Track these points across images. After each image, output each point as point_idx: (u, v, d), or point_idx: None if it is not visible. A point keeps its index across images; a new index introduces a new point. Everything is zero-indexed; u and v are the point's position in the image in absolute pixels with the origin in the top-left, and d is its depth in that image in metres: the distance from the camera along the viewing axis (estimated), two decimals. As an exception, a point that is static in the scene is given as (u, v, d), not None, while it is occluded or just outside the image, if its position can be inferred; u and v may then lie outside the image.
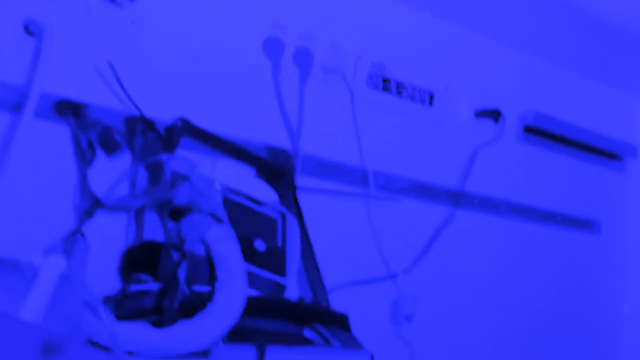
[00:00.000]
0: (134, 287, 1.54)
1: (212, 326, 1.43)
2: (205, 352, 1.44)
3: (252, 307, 1.53)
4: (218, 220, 1.54)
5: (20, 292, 1.19)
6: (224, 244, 1.51)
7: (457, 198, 2.37)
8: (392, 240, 2.21)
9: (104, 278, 1.57)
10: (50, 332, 1.10)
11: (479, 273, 2.47)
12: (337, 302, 1.88)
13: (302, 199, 1.91)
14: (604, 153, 2.86)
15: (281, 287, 1.74)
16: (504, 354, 2.54)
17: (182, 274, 1.53)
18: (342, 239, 2.12)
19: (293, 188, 1.90)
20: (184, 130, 1.68)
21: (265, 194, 1.84)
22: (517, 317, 2.60)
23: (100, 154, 1.63)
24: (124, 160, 1.65)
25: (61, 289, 1.23)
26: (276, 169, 1.90)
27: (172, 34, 1.84)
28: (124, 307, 1.52)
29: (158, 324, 1.44)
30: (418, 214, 2.31)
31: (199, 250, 1.55)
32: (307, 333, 1.73)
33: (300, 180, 1.96)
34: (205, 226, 1.51)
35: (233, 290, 1.47)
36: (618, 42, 2.52)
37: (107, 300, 1.54)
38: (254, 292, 1.63)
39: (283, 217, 1.79)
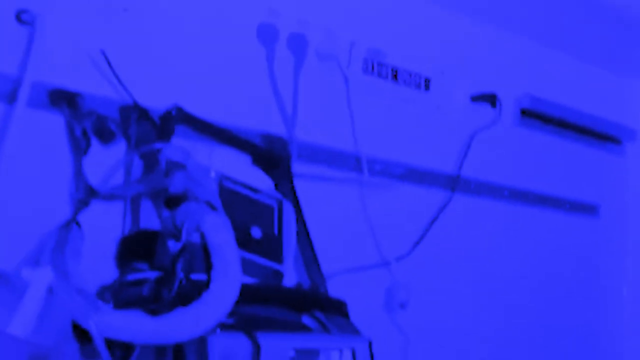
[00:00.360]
0: (131, 276, 1.54)
1: (207, 314, 1.42)
2: (201, 340, 1.44)
3: (249, 295, 1.53)
4: (213, 208, 1.53)
5: (8, 306, 1.19)
6: (219, 232, 1.50)
7: (453, 183, 2.37)
8: (388, 226, 2.21)
9: (101, 267, 1.56)
10: (37, 345, 1.10)
11: (477, 259, 2.47)
12: (334, 289, 1.88)
13: (298, 185, 1.91)
14: (602, 136, 2.86)
15: (278, 274, 1.74)
16: (502, 340, 2.54)
17: (178, 262, 1.53)
18: (338, 225, 2.12)
19: (289, 175, 1.90)
20: (179, 119, 1.67)
21: (261, 181, 1.84)
22: (515, 302, 2.60)
23: (95, 143, 1.63)
24: (119, 149, 1.65)
25: (50, 302, 1.22)
26: (272, 156, 1.89)
27: (165, 21, 1.83)
28: (121, 296, 1.52)
29: (154, 313, 1.44)
30: (415, 199, 2.31)
31: (195, 238, 1.54)
32: (306, 320, 1.73)
33: (296, 167, 1.96)
34: (201, 214, 1.51)
35: (228, 278, 1.46)
36: (616, 24, 2.51)
37: (104, 289, 1.54)
38: (251, 280, 1.63)
39: (279, 204, 1.79)
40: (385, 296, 2.23)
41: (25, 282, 1.23)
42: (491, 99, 2.43)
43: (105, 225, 1.65)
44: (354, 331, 1.72)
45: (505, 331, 2.56)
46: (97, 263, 1.56)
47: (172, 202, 1.55)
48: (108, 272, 1.57)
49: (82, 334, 1.35)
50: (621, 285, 2.98)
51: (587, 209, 2.85)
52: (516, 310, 2.60)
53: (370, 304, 2.17)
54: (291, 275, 1.81)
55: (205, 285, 1.45)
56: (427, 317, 2.31)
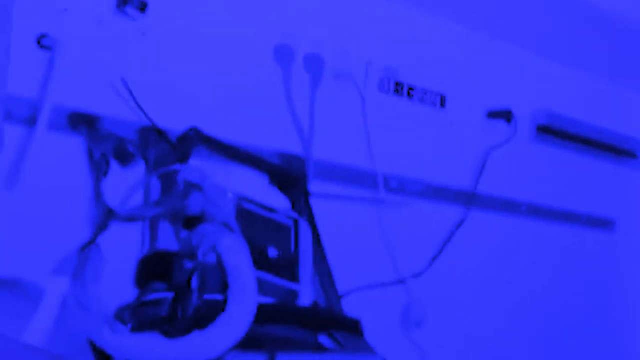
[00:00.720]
0: (149, 297, 1.56)
1: (223, 336, 1.44)
2: (218, 361, 1.45)
3: (265, 315, 1.54)
4: (230, 229, 1.55)
5: (24, 314, 1.20)
6: (235, 254, 1.52)
7: (470, 200, 2.37)
8: (405, 243, 2.22)
9: (120, 288, 1.58)
10: (52, 355, 1.11)
11: (494, 275, 2.47)
12: (351, 307, 1.89)
13: (315, 204, 1.92)
14: (618, 151, 2.86)
15: (295, 294, 1.75)
16: (520, 357, 2.54)
17: (194, 283, 1.54)
18: (355, 243, 2.13)
19: (306, 194, 1.91)
20: (196, 140, 1.69)
21: (278, 200, 1.86)
22: (533, 319, 2.60)
23: (114, 166, 1.65)
24: (138, 171, 1.67)
25: (66, 311, 1.24)
26: (289, 175, 1.90)
27: (183, 45, 1.85)
28: (139, 317, 1.53)
29: (171, 334, 1.45)
30: (432, 216, 2.32)
31: (212, 259, 1.56)
32: (323, 339, 1.74)
33: (313, 186, 1.97)
34: (218, 236, 1.52)
35: (244, 300, 1.48)
36: (630, 39, 2.51)
37: (123, 309, 1.55)
38: (267, 300, 1.64)
39: (296, 223, 1.80)
40: (402, 314, 2.23)
41: (42, 290, 1.25)
42: (507, 116, 2.44)
43: (124, 246, 1.66)
44: (369, 350, 1.73)
45: (523, 347, 2.56)
46: (116, 284, 1.57)
47: (190, 223, 1.57)
48: (127, 293, 1.58)
49: (100, 355, 1.37)
50: (638, 297, 2.97)
51: (604, 224, 2.85)
52: (534, 326, 2.60)
53: (387, 321, 2.18)
54: (308, 295, 1.83)
55: (222, 306, 1.47)
56: (443, 335, 2.31)
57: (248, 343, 1.49)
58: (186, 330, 1.44)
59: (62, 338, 1.24)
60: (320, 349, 1.70)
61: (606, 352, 2.82)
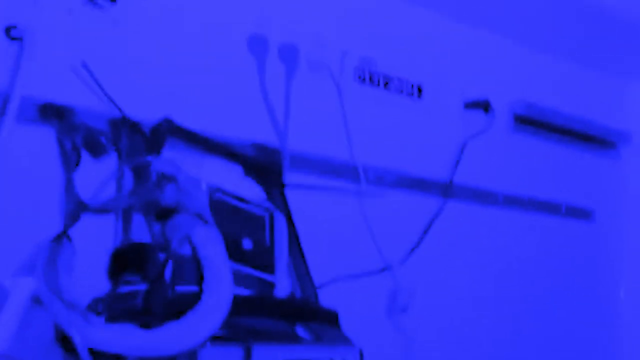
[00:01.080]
0: (123, 289, 1.55)
1: (198, 327, 1.43)
2: (192, 353, 1.44)
3: (241, 306, 1.53)
4: (204, 220, 1.54)
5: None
6: (209, 244, 1.51)
7: (447, 190, 2.37)
8: (383, 234, 2.21)
9: (93, 280, 1.57)
10: None
11: (473, 265, 2.47)
12: (331, 298, 1.89)
13: (292, 196, 1.91)
14: (596, 141, 2.86)
15: (270, 285, 1.75)
16: (500, 344, 2.54)
17: (168, 274, 1.53)
18: (334, 234, 2.13)
19: (281, 185, 1.90)
20: (169, 131, 1.68)
21: (252, 192, 1.84)
22: (512, 307, 2.60)
23: (85, 157, 1.63)
24: (110, 162, 1.66)
25: (32, 314, 1.22)
26: (264, 166, 1.89)
27: (155, 34, 1.84)
28: (113, 309, 1.52)
29: (146, 325, 1.44)
30: (410, 207, 2.31)
31: (186, 251, 1.55)
32: (299, 330, 1.73)
33: (289, 177, 1.96)
34: (191, 227, 1.52)
35: (219, 291, 1.47)
36: (608, 27, 2.51)
37: (96, 302, 1.54)
38: (243, 291, 1.63)
39: (271, 214, 1.79)
40: (386, 302, 2.23)
41: (6, 292, 1.23)
42: (484, 106, 2.43)
43: (97, 238, 1.65)
44: (346, 341, 1.73)
45: (502, 336, 2.57)
46: (90, 276, 1.55)
47: (163, 214, 1.56)
48: (100, 285, 1.57)
49: (68, 348, 1.36)
50: (617, 289, 2.98)
51: (582, 214, 2.85)
52: (513, 315, 2.60)
53: (364, 312, 2.17)
54: (284, 286, 1.82)
55: (197, 297, 1.46)
56: (423, 323, 2.30)
57: (224, 334, 1.49)
58: (161, 322, 1.43)
59: (27, 341, 1.22)
60: (296, 340, 1.69)
61: (585, 341, 2.83)
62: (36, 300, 1.25)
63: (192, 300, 1.45)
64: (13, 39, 1.61)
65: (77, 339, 1.29)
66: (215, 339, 1.47)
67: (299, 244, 1.85)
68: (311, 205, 2.02)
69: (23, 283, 1.22)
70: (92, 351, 1.36)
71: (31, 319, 1.24)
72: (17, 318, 1.19)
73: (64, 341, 1.32)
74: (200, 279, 1.49)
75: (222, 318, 1.45)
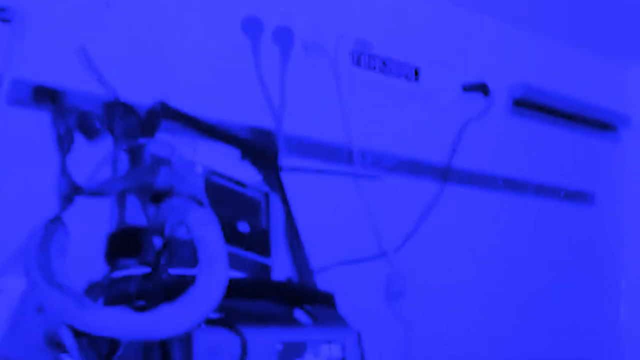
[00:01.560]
0: (118, 273, 1.54)
1: (193, 310, 1.42)
2: (187, 336, 1.43)
3: (237, 289, 1.53)
4: (199, 203, 1.53)
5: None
6: (204, 227, 1.50)
7: (445, 174, 2.36)
8: (381, 217, 2.21)
9: (89, 263, 1.56)
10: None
11: (472, 249, 2.46)
12: (328, 281, 1.88)
13: (288, 179, 1.90)
14: (596, 124, 2.85)
15: (267, 268, 1.74)
16: (499, 329, 2.54)
17: (164, 258, 1.52)
18: (331, 218, 2.12)
19: (277, 168, 1.89)
20: (164, 114, 1.67)
21: (249, 175, 1.84)
22: (512, 291, 2.59)
23: (79, 140, 1.63)
24: (105, 145, 1.65)
25: (23, 312, 1.21)
26: (259, 149, 1.88)
27: (149, 17, 1.83)
28: (109, 292, 1.52)
29: (141, 309, 1.43)
30: (407, 191, 2.30)
31: (182, 233, 1.54)
32: (298, 313, 1.72)
33: (285, 160, 1.95)
34: (186, 210, 1.51)
35: (214, 273, 1.46)
36: (607, 10, 2.49)
37: (92, 286, 1.54)
38: (239, 274, 1.63)
39: (267, 197, 1.78)
40: (383, 286, 2.22)
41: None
42: (483, 89, 2.42)
43: (92, 221, 1.64)
44: (342, 323, 1.72)
45: (501, 320, 2.56)
46: (85, 259, 1.55)
47: (158, 197, 1.55)
48: (96, 269, 1.56)
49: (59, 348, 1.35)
50: (618, 271, 2.96)
51: (583, 197, 2.84)
52: (512, 299, 2.60)
53: (362, 295, 2.16)
54: (281, 269, 1.81)
55: (192, 280, 1.45)
56: (421, 308, 2.30)
57: (219, 317, 1.48)
58: (155, 305, 1.43)
59: (18, 340, 1.21)
60: (294, 322, 1.69)
61: (585, 324, 2.82)
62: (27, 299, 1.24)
63: (187, 283, 1.44)
64: (4, 20, 1.60)
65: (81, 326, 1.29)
66: (210, 321, 1.46)
67: (295, 227, 1.85)
68: (308, 188, 2.01)
69: (13, 283, 1.21)
70: (86, 335, 1.35)
71: (22, 318, 1.23)
72: (7, 318, 1.18)
73: (55, 343, 1.31)
74: (195, 262, 1.48)
75: (217, 300, 1.44)
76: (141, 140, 1.60)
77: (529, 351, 2.61)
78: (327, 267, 2.01)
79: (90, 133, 1.63)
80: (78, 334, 1.33)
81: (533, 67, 2.65)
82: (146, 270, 1.51)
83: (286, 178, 1.91)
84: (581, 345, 2.80)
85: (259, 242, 1.72)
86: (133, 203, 1.65)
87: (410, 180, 2.30)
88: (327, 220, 2.09)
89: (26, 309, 1.24)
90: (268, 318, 1.63)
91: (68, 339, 1.25)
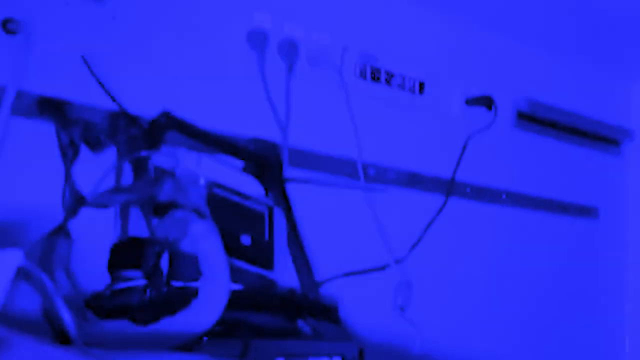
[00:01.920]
0: (120, 284, 1.54)
1: (194, 322, 1.43)
2: (188, 348, 1.43)
3: (239, 301, 1.53)
4: (202, 215, 1.53)
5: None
6: (207, 240, 1.51)
7: (449, 187, 2.36)
8: (385, 231, 2.20)
9: (91, 275, 1.56)
10: None
11: (475, 263, 2.46)
12: (332, 293, 1.89)
13: (292, 191, 1.91)
14: (600, 138, 2.84)
15: (269, 281, 1.74)
16: (503, 343, 2.53)
17: (166, 270, 1.53)
18: (335, 231, 2.11)
19: (281, 181, 1.90)
20: (169, 125, 1.68)
21: (252, 187, 1.84)
22: (515, 307, 2.59)
23: (84, 151, 1.63)
24: (109, 157, 1.65)
25: (19, 288, 1.21)
26: (264, 162, 1.89)
27: (154, 29, 1.83)
28: (110, 304, 1.52)
29: (142, 322, 1.44)
30: (411, 204, 2.30)
31: (184, 246, 1.54)
32: (300, 325, 1.73)
33: (289, 173, 1.96)
34: (189, 222, 1.51)
35: (216, 286, 1.47)
36: (611, 25, 2.50)
37: (93, 297, 1.54)
38: (241, 287, 1.63)
39: (270, 210, 1.79)
40: (386, 299, 2.22)
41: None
42: (487, 102, 2.42)
43: (95, 233, 1.64)
44: (345, 337, 1.72)
45: (505, 335, 2.55)
46: (88, 271, 1.55)
47: (161, 209, 1.55)
48: (98, 280, 1.56)
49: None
50: (622, 287, 2.95)
51: (587, 212, 2.83)
52: (516, 315, 2.59)
53: (366, 307, 2.16)
54: (285, 282, 1.81)
55: (194, 293, 1.45)
56: (426, 319, 2.29)
57: (221, 330, 1.48)
58: (157, 318, 1.43)
59: (14, 314, 1.21)
60: (297, 335, 1.69)
61: (589, 340, 2.81)
62: (23, 274, 1.23)
63: (190, 296, 1.45)
64: (9, 32, 1.60)
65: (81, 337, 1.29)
66: (212, 334, 1.46)
67: (299, 239, 1.85)
68: (312, 201, 2.02)
69: (9, 255, 1.21)
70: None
71: (18, 292, 1.23)
72: (3, 291, 1.18)
73: (51, 317, 1.31)
74: (197, 275, 1.49)
75: (218, 313, 1.45)
76: (145, 152, 1.60)
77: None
78: (331, 279, 2.01)
79: (94, 145, 1.64)
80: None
81: (538, 81, 2.65)
82: (148, 282, 1.51)
83: (290, 191, 1.91)
84: (585, 358, 2.79)
85: (262, 255, 1.73)
86: (136, 215, 1.65)
87: (414, 193, 2.30)
88: (331, 232, 2.09)
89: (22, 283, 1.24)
90: (270, 330, 1.64)
91: (65, 312, 1.25)
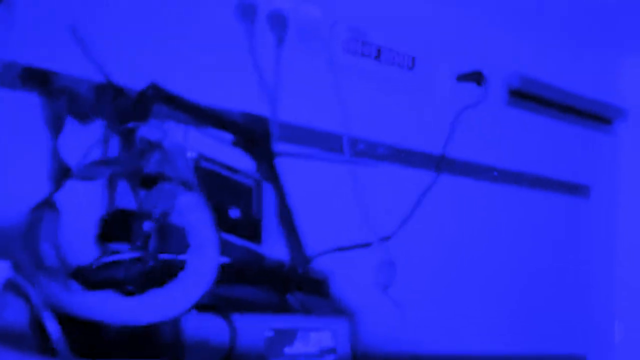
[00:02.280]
0: (108, 257, 1.53)
1: (182, 295, 1.42)
2: (175, 321, 1.43)
3: (227, 275, 1.52)
4: (189, 188, 1.52)
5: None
6: (194, 213, 1.50)
7: (439, 163, 2.35)
8: (375, 206, 2.20)
9: (78, 247, 1.55)
10: None
11: (465, 240, 2.46)
12: (322, 268, 1.88)
13: (281, 165, 1.90)
14: (592, 116, 2.83)
15: (258, 255, 1.74)
16: (494, 319, 2.53)
17: (153, 242, 1.52)
18: (324, 205, 2.11)
19: (270, 155, 1.88)
20: (156, 97, 1.66)
21: (241, 161, 1.83)
22: (506, 283, 2.59)
23: (70, 123, 1.61)
24: (96, 128, 1.64)
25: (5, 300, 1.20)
26: (253, 135, 1.88)
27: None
28: (98, 277, 1.51)
29: (130, 293, 1.43)
30: (401, 180, 2.29)
31: (172, 218, 1.53)
32: (290, 299, 1.72)
33: (279, 147, 1.94)
34: (176, 195, 1.50)
35: (204, 259, 1.46)
36: (603, 2, 2.48)
37: (81, 270, 1.53)
38: (230, 260, 1.62)
39: (258, 184, 1.78)
40: (373, 275, 2.22)
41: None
42: (477, 78, 2.40)
43: (82, 205, 1.62)
44: (335, 311, 1.72)
45: (494, 311, 2.55)
46: (75, 243, 1.54)
47: (148, 182, 1.54)
48: (86, 253, 1.55)
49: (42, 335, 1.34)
50: (612, 264, 2.95)
51: (578, 190, 2.83)
52: (505, 292, 2.59)
53: (358, 283, 2.15)
54: (273, 256, 1.81)
55: (182, 265, 1.44)
56: (414, 296, 2.29)
57: (209, 303, 1.47)
58: (145, 289, 1.42)
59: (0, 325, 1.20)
60: (285, 309, 1.68)
61: (579, 318, 2.82)
62: (11, 286, 1.22)
63: (177, 269, 1.44)
64: (-3, 2, 1.58)
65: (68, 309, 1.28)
66: (200, 307, 1.45)
67: (290, 213, 1.84)
68: (302, 176, 2.00)
69: None
70: (72, 320, 1.34)
71: (5, 304, 1.22)
72: None
73: (38, 328, 1.30)
74: (185, 247, 1.48)
75: (207, 286, 1.44)
76: (132, 124, 1.59)
77: (520, 341, 2.61)
78: (321, 254, 2.00)
79: (81, 116, 1.62)
80: (63, 319, 1.32)
81: (529, 58, 2.64)
82: (136, 255, 1.50)
83: (280, 165, 1.90)
84: (574, 337, 2.80)
85: (250, 228, 1.72)
86: (124, 187, 1.64)
87: (404, 169, 2.29)
88: (321, 207, 2.08)
89: (9, 295, 1.23)
90: (260, 304, 1.63)
91: (51, 324, 1.24)
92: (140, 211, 1.55)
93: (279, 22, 1.99)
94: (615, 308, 2.94)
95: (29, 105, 1.61)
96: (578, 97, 2.75)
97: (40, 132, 1.61)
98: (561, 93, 2.69)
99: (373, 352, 2.10)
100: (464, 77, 2.39)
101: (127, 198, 1.61)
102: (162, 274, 1.46)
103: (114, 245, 1.55)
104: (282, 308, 1.68)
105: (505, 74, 2.54)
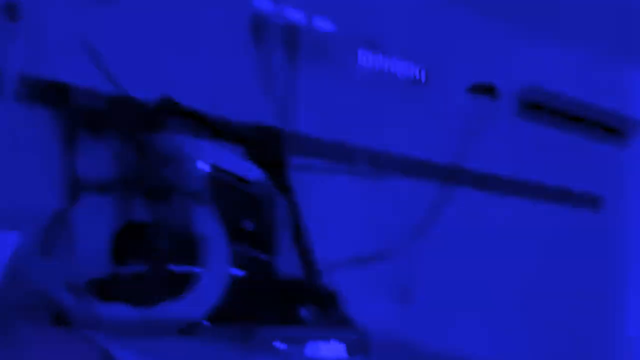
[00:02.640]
0: (122, 269, 1.54)
1: (194, 306, 1.43)
2: (188, 332, 1.44)
3: (239, 286, 1.53)
4: (202, 200, 1.53)
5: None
6: (207, 225, 1.51)
7: (452, 175, 2.35)
8: (389, 218, 2.20)
9: (92, 260, 1.56)
10: None
11: (478, 251, 2.45)
12: (335, 280, 1.88)
13: (294, 177, 1.90)
14: (605, 128, 2.83)
15: (270, 266, 1.74)
16: (505, 331, 2.52)
17: (166, 254, 1.53)
18: (337, 218, 2.10)
19: (283, 167, 1.89)
20: (169, 110, 1.67)
21: (254, 173, 1.83)
22: (519, 294, 2.58)
23: (84, 136, 1.63)
24: (110, 141, 1.65)
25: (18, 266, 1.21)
26: (265, 147, 1.88)
27: (154, 13, 1.82)
28: (112, 289, 1.52)
29: (143, 305, 1.44)
30: (415, 192, 2.29)
31: (184, 230, 1.54)
32: (303, 312, 1.72)
33: (292, 159, 1.95)
34: (189, 207, 1.51)
35: (216, 271, 1.47)
36: (617, 14, 2.48)
37: (95, 282, 1.54)
38: (242, 272, 1.63)
39: (271, 195, 1.78)
40: (389, 287, 2.22)
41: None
42: (490, 90, 2.40)
43: (97, 218, 1.63)
44: (347, 323, 1.72)
45: (508, 324, 2.54)
46: (88, 254, 1.55)
47: (161, 194, 1.55)
48: (100, 265, 1.56)
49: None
50: (626, 273, 2.95)
51: (592, 201, 2.82)
52: (519, 303, 2.58)
53: (368, 295, 2.15)
54: (285, 267, 1.81)
55: (195, 277, 1.45)
56: (428, 307, 2.29)
57: (221, 314, 1.48)
58: (156, 302, 1.43)
59: (12, 294, 1.21)
60: (296, 321, 1.69)
61: (592, 329, 2.80)
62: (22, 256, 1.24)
63: (189, 281, 1.45)
64: (12, 17, 1.59)
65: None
66: (213, 319, 1.46)
67: (302, 225, 1.84)
68: (315, 188, 2.00)
69: (6, 237, 1.21)
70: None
71: (16, 274, 1.23)
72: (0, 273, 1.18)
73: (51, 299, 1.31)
74: (198, 259, 1.49)
75: (217, 297, 1.45)
76: (146, 137, 1.60)
77: (534, 353, 2.60)
78: (333, 266, 2.00)
79: (95, 129, 1.63)
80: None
81: (542, 71, 2.63)
82: (149, 266, 1.51)
83: (292, 177, 1.90)
84: (587, 349, 2.78)
85: (263, 240, 1.72)
86: (138, 200, 1.65)
87: (417, 182, 2.29)
88: (334, 219, 2.08)
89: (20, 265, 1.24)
90: (272, 316, 1.63)
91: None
92: (154, 223, 1.56)
93: (291, 35, 2.00)
94: (629, 317, 2.93)
95: (45, 118, 1.62)
96: (591, 108, 2.75)
97: (56, 145, 1.63)
98: (574, 104, 2.69)
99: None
100: (476, 90, 2.39)
101: (141, 211, 1.62)
102: (175, 286, 1.47)
103: (127, 258, 1.55)
104: (295, 319, 1.69)
105: (517, 86, 2.54)
